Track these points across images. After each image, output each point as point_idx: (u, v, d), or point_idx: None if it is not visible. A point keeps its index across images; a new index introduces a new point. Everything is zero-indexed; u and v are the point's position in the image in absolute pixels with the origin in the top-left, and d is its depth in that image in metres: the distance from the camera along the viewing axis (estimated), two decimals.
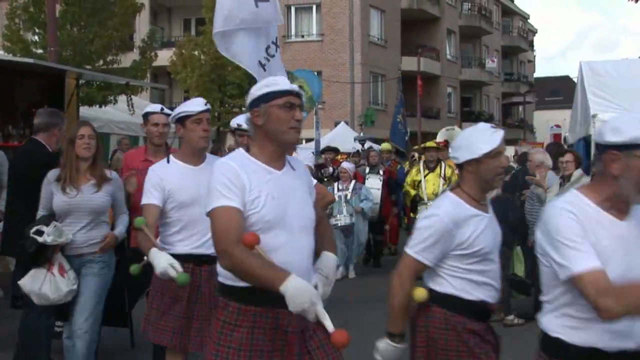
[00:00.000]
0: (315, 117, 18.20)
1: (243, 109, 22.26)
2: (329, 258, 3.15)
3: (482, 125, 3.41)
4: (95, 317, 4.87)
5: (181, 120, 4.25)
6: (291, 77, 16.41)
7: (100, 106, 14.91)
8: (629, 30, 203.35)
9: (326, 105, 30.48)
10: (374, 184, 11.69)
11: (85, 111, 14.17)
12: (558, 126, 33.80)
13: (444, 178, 10.26)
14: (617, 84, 10.74)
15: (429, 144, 11.09)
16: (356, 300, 8.87)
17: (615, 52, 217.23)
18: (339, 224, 10.53)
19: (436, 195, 10.12)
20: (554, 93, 62.97)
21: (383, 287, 8.73)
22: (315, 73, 16.81)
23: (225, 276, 2.95)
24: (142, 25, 26.16)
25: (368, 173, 12.11)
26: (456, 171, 10.21)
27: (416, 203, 10.50)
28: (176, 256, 3.96)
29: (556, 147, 10.43)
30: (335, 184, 10.99)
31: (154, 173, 4.27)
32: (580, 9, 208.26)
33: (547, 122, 35.34)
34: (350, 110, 31.80)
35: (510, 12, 54.91)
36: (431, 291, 3.36)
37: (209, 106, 4.31)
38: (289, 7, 32.86)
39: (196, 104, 4.27)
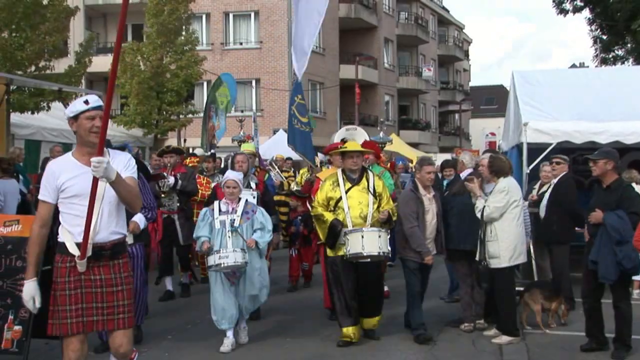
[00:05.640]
0: (254, 124, 18.09)
1: (181, 116, 21.99)
2: None
3: None
4: None
5: None
6: (219, 80, 16.37)
7: (32, 113, 14.55)
8: (560, 42, 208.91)
9: (264, 113, 30.41)
10: None
11: (16, 118, 13.80)
12: (493, 134, 34.38)
13: (374, 195, 7.15)
14: (546, 92, 10.94)
15: (350, 145, 7.42)
16: None
17: (549, 62, 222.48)
18: (224, 264, 6.76)
19: (365, 219, 7.03)
20: (489, 101, 64.38)
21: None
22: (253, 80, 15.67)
23: None
24: (77, 30, 25.62)
25: None
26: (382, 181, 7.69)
27: (336, 233, 6.99)
28: None
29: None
30: (216, 204, 7.22)
31: None
32: (516, 20, 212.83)
33: (482, 129, 35.93)
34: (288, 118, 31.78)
35: (445, 22, 55.87)
36: None
37: None
38: (227, 14, 32.72)
39: None
